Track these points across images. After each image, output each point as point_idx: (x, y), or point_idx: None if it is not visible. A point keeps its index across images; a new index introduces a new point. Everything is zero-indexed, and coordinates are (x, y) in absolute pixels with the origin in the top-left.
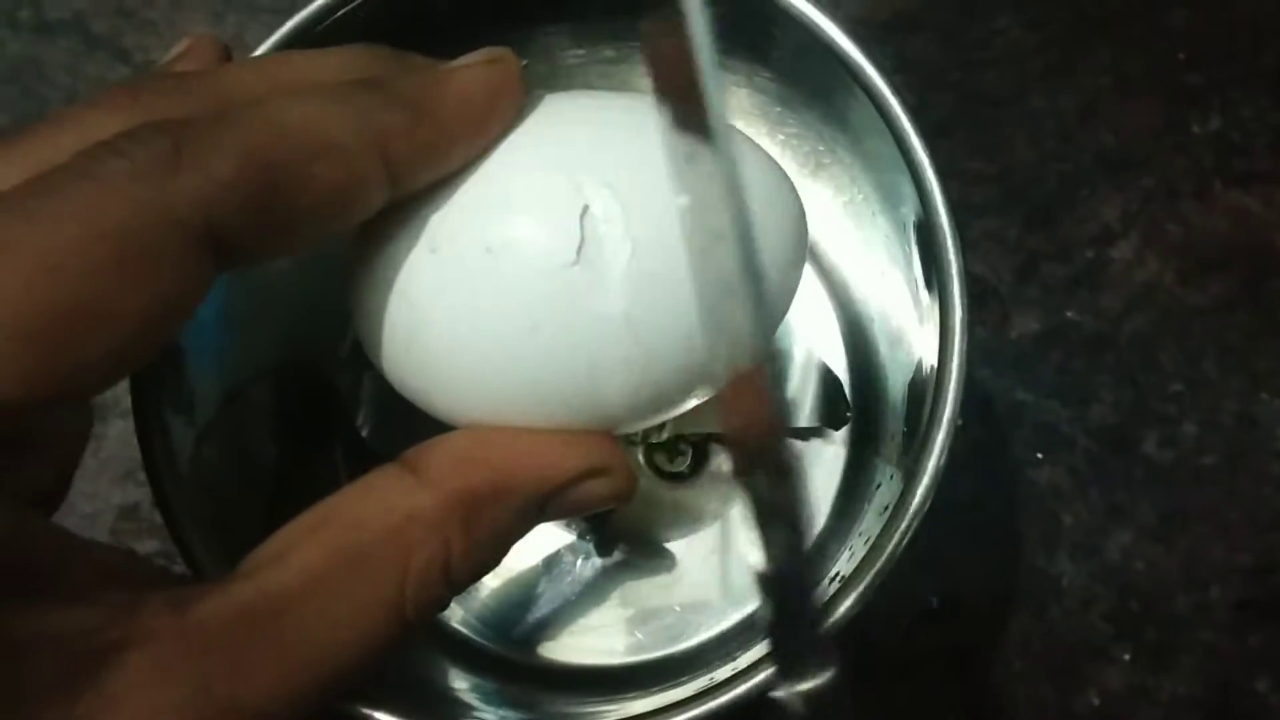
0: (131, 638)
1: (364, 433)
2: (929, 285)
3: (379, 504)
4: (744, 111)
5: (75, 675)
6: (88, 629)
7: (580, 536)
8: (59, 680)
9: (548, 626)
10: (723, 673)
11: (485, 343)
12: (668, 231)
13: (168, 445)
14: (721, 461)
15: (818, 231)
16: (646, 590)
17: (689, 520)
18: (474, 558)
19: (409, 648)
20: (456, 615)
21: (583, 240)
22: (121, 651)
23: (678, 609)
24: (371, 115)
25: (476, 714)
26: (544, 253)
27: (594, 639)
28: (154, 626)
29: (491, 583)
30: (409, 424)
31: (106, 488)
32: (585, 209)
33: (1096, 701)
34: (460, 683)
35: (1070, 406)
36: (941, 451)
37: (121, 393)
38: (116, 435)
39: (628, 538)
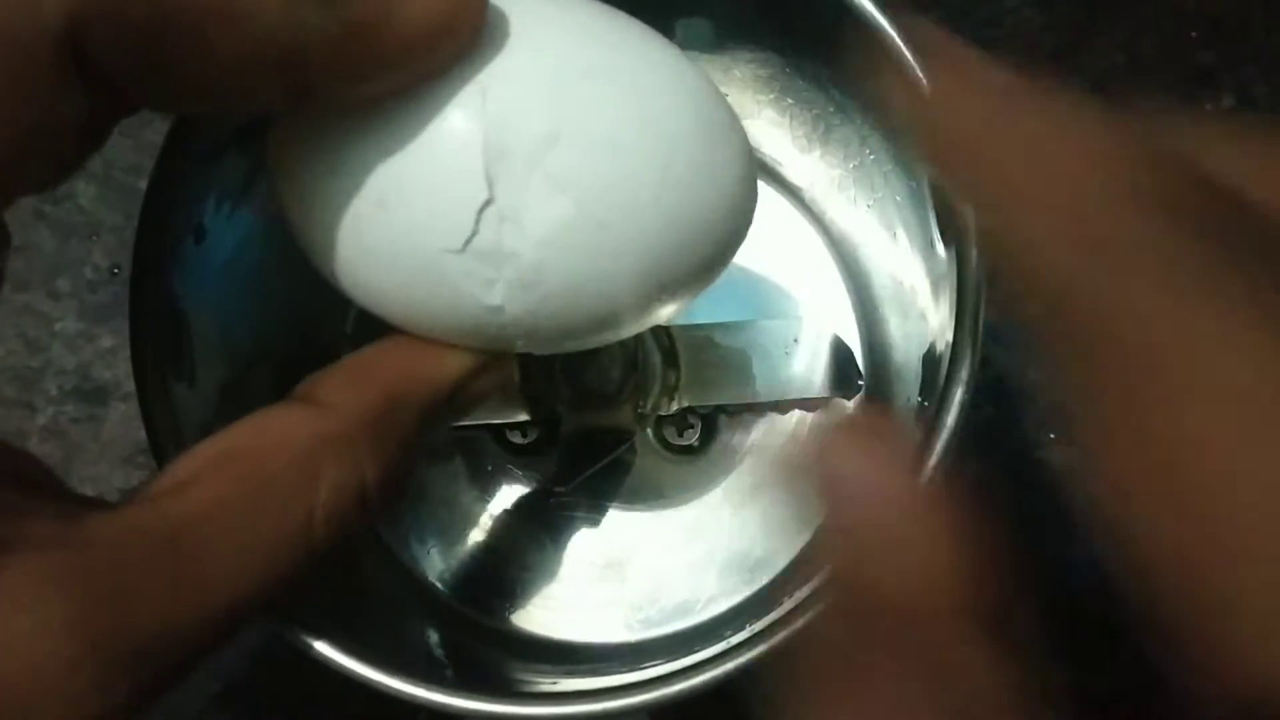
0: (13, 544)
1: None
2: (945, 243)
3: (281, 434)
4: (753, 77)
5: None
6: None
7: (571, 508)
8: None
9: (535, 599)
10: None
11: (384, 281)
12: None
13: (173, 425)
14: (731, 435)
15: (828, 203)
16: (651, 565)
17: (697, 495)
18: (388, 474)
19: (316, 574)
20: (434, 570)
21: (474, 234)
22: (4, 554)
23: (679, 588)
24: (300, 12)
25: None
26: (436, 235)
27: (587, 615)
28: (41, 535)
29: (483, 554)
30: None
31: (108, 471)
32: (485, 204)
33: (1113, 683)
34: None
35: None
36: (954, 426)
37: (123, 376)
38: (118, 418)
39: (636, 508)
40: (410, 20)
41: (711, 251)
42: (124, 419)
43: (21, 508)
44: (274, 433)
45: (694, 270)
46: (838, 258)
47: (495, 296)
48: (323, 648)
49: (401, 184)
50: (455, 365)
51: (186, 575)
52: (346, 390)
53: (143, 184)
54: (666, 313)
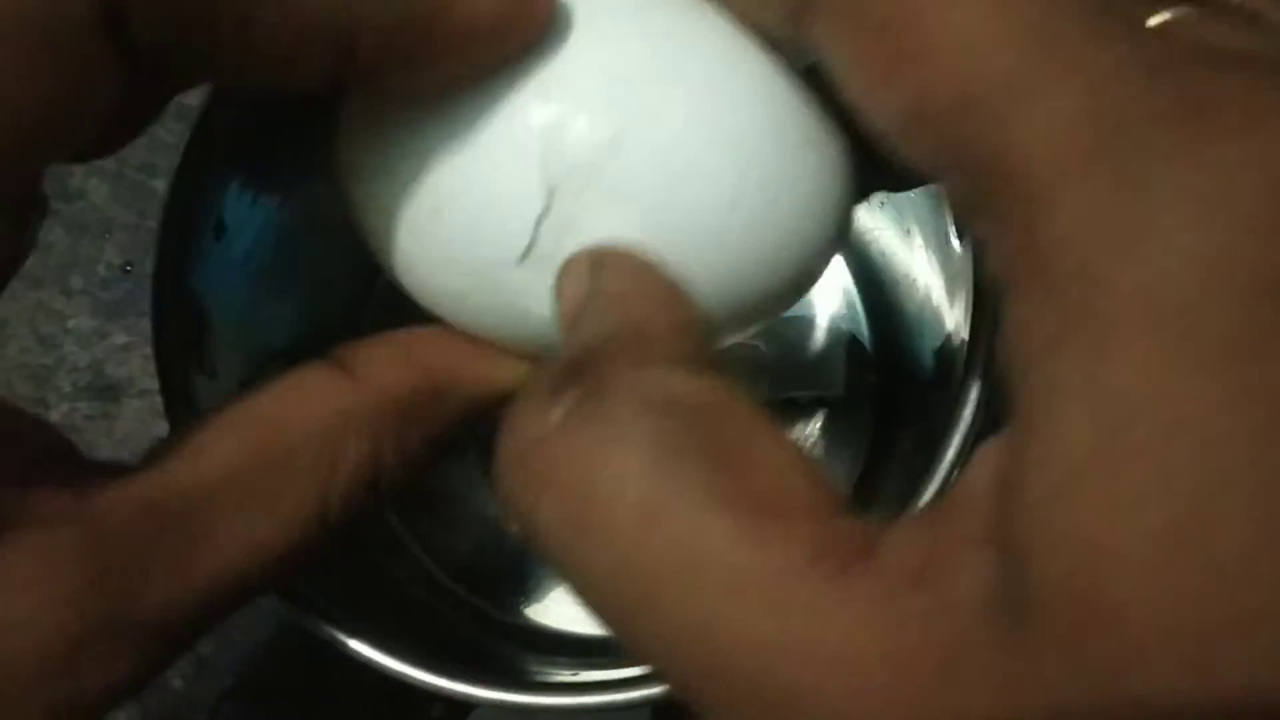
0: (22, 517)
1: None
2: (960, 236)
3: (307, 401)
4: None
5: None
6: None
7: None
8: None
9: (550, 594)
10: None
11: (441, 286)
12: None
13: (195, 418)
14: None
15: None
16: None
17: None
18: (406, 462)
19: (326, 552)
20: (446, 564)
21: (532, 244)
22: (10, 530)
23: None
24: None
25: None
26: (493, 245)
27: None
28: (49, 508)
29: (498, 549)
30: None
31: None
32: (543, 214)
33: None
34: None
35: None
36: (969, 424)
37: (137, 373)
38: (131, 415)
39: None
40: (469, 13)
41: (790, 274)
42: (137, 415)
43: (32, 480)
44: (300, 400)
45: (768, 293)
46: (849, 254)
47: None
48: (348, 640)
49: (455, 191)
50: (509, 375)
51: (197, 548)
52: (386, 367)
53: (155, 182)
54: (735, 336)
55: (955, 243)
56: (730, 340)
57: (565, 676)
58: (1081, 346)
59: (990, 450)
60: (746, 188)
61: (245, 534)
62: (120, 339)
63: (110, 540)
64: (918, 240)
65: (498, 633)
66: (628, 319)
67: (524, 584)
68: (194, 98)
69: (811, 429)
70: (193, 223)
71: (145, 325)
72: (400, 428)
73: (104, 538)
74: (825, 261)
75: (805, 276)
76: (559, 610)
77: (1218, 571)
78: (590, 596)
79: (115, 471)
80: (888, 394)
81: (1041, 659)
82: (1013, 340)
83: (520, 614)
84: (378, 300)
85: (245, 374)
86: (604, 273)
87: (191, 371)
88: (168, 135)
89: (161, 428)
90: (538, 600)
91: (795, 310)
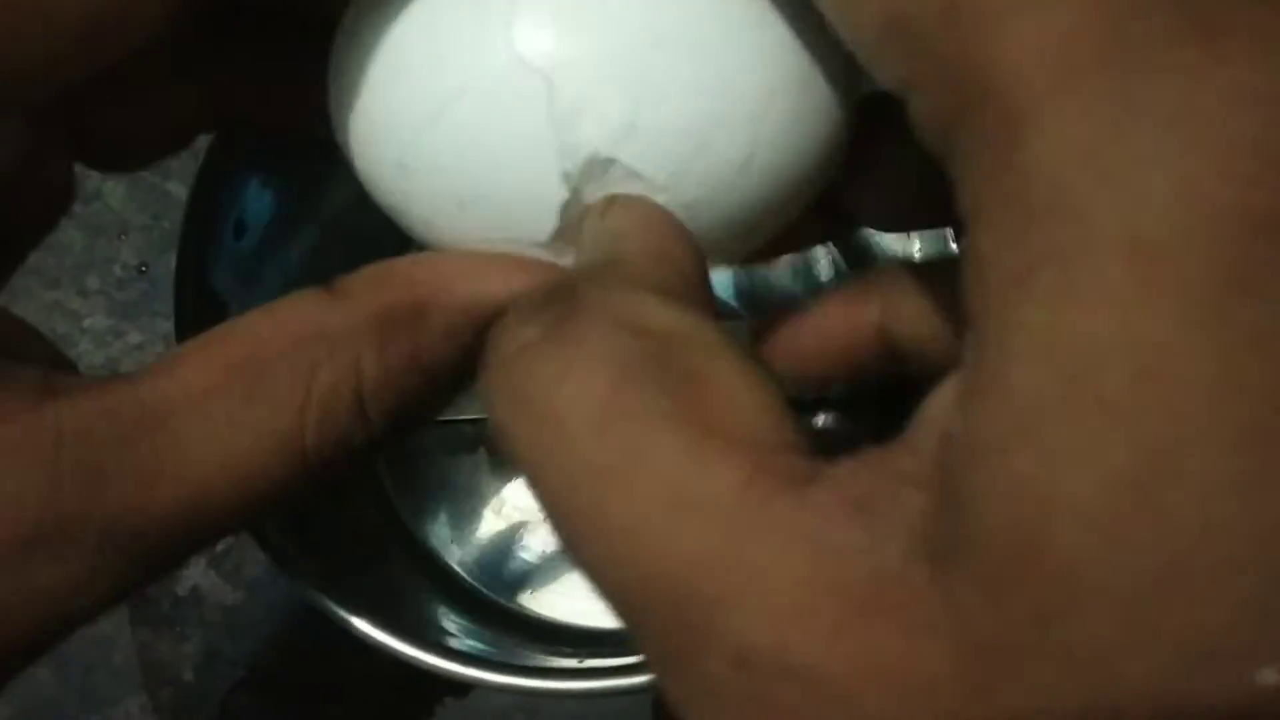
0: None
1: None
2: (959, 238)
3: (285, 320)
4: None
5: None
6: None
7: None
8: None
9: (557, 586)
10: None
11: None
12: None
13: None
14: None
15: None
16: None
17: None
18: (391, 385)
19: (309, 492)
20: (455, 556)
21: (559, 227)
22: None
23: None
24: None
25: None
26: (521, 230)
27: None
28: (10, 408)
29: (506, 543)
30: None
31: None
32: (566, 202)
33: None
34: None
35: None
36: None
37: (150, 359)
38: None
39: None
40: None
41: (800, 206)
42: None
43: None
44: (277, 319)
45: (777, 225)
46: (852, 256)
47: None
48: (364, 626)
49: (477, 188)
50: (497, 288)
51: (160, 462)
52: (366, 284)
53: (170, 185)
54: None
55: (953, 245)
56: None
57: (571, 663)
58: (1048, 284)
59: (944, 389)
60: (759, 146)
61: (215, 450)
62: (135, 338)
63: (69, 442)
64: (917, 244)
65: (505, 624)
66: (614, 249)
67: (529, 576)
68: None
69: (815, 427)
70: (214, 221)
71: (160, 325)
72: (379, 342)
73: (62, 438)
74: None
75: (812, 200)
76: (564, 603)
77: (1169, 525)
78: (549, 508)
79: (85, 378)
80: (890, 393)
81: (965, 602)
82: (974, 276)
83: (527, 606)
84: None
85: None
86: (610, 211)
87: None
88: None
89: None
90: (543, 593)
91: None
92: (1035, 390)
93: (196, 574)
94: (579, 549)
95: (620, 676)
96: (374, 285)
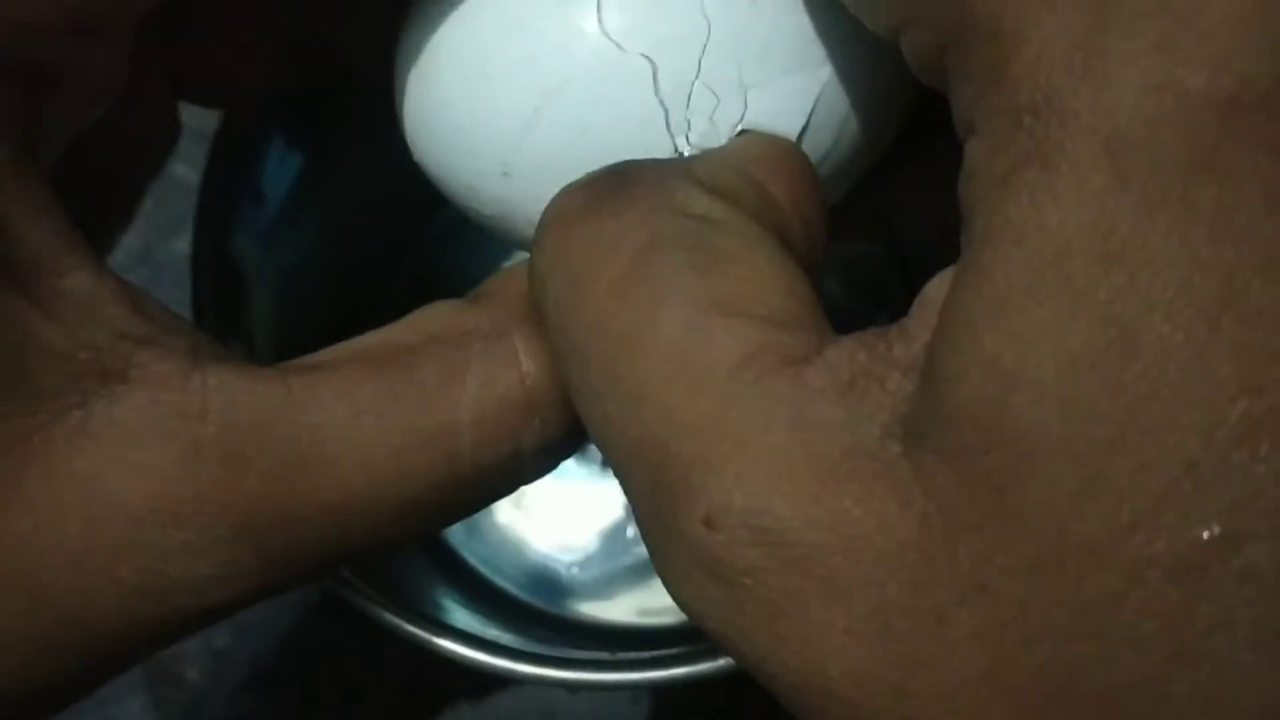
0: (132, 376)
1: None
2: None
3: (427, 324)
4: None
5: (68, 393)
6: (94, 344)
7: None
8: (57, 392)
9: (582, 585)
10: None
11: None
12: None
13: None
14: None
15: None
16: None
17: None
18: (557, 377)
19: (467, 508)
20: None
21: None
22: (122, 385)
23: None
24: None
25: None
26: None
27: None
28: (160, 373)
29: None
30: None
31: None
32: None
33: None
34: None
35: None
36: None
37: None
38: None
39: None
40: None
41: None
42: None
43: (142, 339)
44: (416, 325)
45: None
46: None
47: None
48: (396, 619)
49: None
50: None
51: (303, 455)
52: (505, 283)
53: (176, 168)
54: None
55: None
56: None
57: (604, 655)
58: (1030, 181)
59: (939, 280)
60: (855, 101)
61: (360, 447)
62: None
63: (214, 418)
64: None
65: (529, 622)
66: (703, 157)
67: (554, 574)
68: None
69: None
70: (231, 189)
71: None
72: (536, 332)
73: (207, 413)
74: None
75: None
76: (589, 603)
77: (1121, 395)
78: (566, 366)
79: (233, 362)
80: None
81: (932, 473)
82: (967, 181)
83: (554, 603)
84: (418, 256)
85: (282, 344)
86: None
87: (231, 342)
88: (191, 120)
89: None
90: (569, 591)
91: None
92: (1007, 275)
93: None
94: (587, 407)
95: (657, 669)
96: (513, 283)
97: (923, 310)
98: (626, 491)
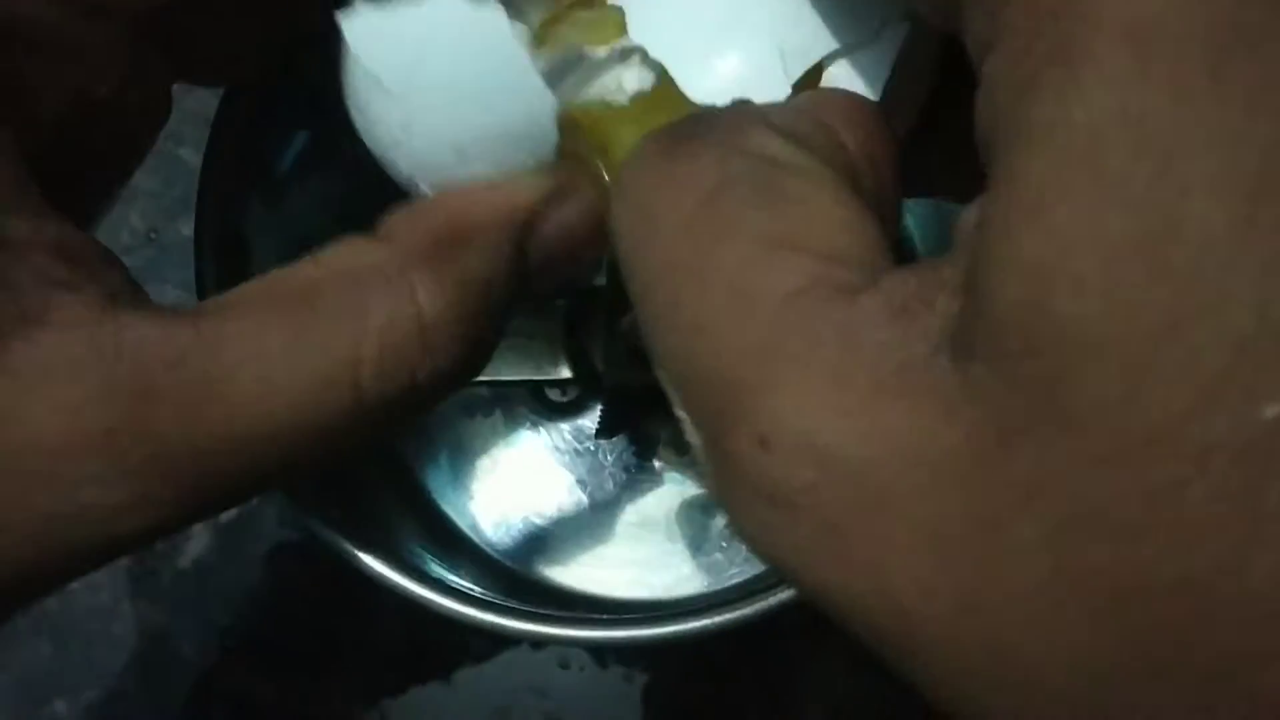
0: (46, 319)
1: None
2: None
3: (332, 262)
4: None
5: None
6: (17, 286)
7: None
8: None
9: (572, 554)
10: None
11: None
12: None
13: None
14: None
15: None
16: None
17: None
18: (453, 311)
19: (370, 438)
20: (467, 520)
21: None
22: (33, 327)
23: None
24: None
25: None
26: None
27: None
28: (74, 317)
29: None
30: None
31: None
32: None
33: None
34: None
35: None
36: None
37: None
38: None
39: (674, 466)
40: None
41: None
42: None
43: (63, 283)
44: (321, 263)
45: None
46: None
47: None
48: (397, 577)
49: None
50: (527, 189)
51: (211, 389)
52: (406, 220)
53: (182, 150)
54: None
55: None
56: None
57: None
58: (1053, 80)
59: (974, 207)
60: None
61: (266, 381)
62: None
63: (126, 356)
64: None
65: (521, 590)
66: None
67: (545, 544)
68: None
69: None
70: (233, 167)
71: (169, 292)
72: (431, 269)
73: (120, 352)
74: None
75: None
76: (578, 571)
77: (1166, 280)
78: (637, 301)
79: (149, 306)
80: None
81: (979, 382)
82: (986, 99)
83: (543, 573)
84: None
85: None
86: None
87: None
88: (195, 104)
89: None
90: (559, 561)
91: None
92: (1039, 175)
93: (199, 547)
94: (655, 339)
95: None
96: (413, 220)
97: (962, 234)
98: (692, 423)
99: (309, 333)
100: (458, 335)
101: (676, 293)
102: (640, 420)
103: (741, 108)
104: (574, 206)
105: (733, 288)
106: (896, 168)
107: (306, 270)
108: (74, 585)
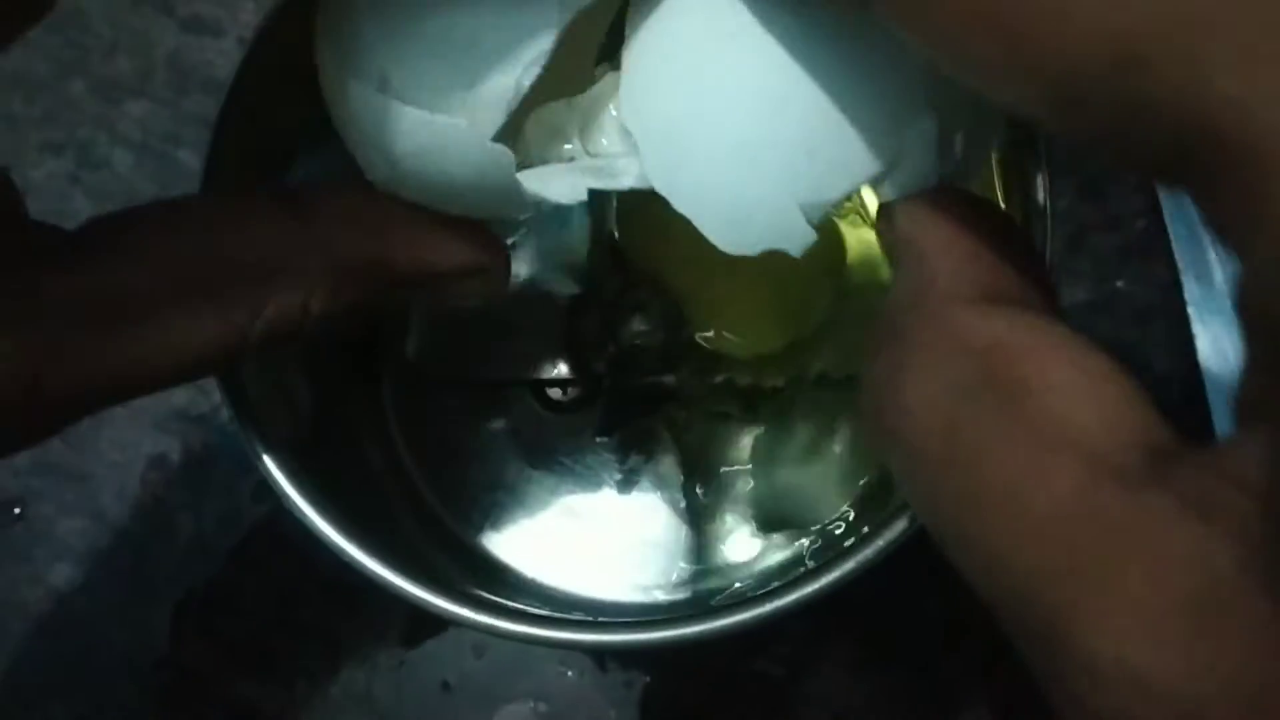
0: None
1: (409, 351)
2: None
3: (249, 239)
4: None
5: None
6: None
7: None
8: None
9: (570, 555)
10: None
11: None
12: None
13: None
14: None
15: None
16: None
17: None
18: (336, 306)
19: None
20: (471, 524)
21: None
22: None
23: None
24: None
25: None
26: None
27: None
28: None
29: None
30: (459, 341)
31: (138, 436)
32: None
33: None
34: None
35: None
36: None
37: None
38: None
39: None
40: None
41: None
42: None
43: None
44: (248, 239)
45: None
46: None
47: None
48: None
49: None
50: (452, 260)
51: (121, 341)
52: (335, 219)
53: (180, 153)
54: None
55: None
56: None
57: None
58: None
59: (1250, 384)
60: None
61: (164, 347)
62: None
63: (48, 317)
64: None
65: (516, 591)
66: (920, 268)
67: (542, 545)
68: (225, 70)
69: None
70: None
71: None
72: (334, 288)
73: (41, 317)
74: None
75: None
76: (576, 573)
77: None
78: (939, 539)
79: (60, 252)
80: None
81: None
82: (1260, 280)
83: (540, 573)
84: None
85: None
86: (900, 223)
87: None
88: (192, 106)
89: (184, 392)
90: (557, 562)
91: None
92: None
93: (195, 548)
94: (948, 551)
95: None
96: (341, 222)
97: (1246, 412)
98: (1003, 626)
99: (209, 314)
100: (324, 319)
101: (958, 516)
102: (640, 420)
103: (912, 300)
104: (479, 286)
105: (1011, 506)
106: (1044, 267)
107: (221, 234)
108: (70, 586)
